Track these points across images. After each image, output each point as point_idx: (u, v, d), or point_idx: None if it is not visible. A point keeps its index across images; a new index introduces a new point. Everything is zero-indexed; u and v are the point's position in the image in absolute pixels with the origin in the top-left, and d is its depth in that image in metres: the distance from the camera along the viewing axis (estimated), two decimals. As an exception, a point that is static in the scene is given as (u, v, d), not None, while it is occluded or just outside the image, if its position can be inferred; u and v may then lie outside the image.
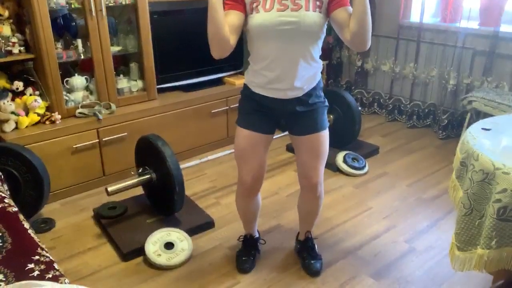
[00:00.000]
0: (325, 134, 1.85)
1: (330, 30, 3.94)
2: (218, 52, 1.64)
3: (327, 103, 1.85)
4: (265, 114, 1.80)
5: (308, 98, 1.76)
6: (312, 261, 2.09)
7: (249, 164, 1.85)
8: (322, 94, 1.83)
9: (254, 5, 1.61)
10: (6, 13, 2.53)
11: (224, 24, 1.56)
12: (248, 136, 1.82)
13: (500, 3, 3.13)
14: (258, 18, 1.60)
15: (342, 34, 1.63)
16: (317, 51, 1.71)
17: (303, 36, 1.62)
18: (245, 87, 1.83)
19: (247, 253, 2.14)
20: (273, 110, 1.79)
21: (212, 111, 3.26)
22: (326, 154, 1.89)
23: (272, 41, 1.63)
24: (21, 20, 2.62)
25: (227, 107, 3.33)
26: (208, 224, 2.43)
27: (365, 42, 1.60)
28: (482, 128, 1.74)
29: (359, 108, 3.31)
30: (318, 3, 1.60)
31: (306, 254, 2.12)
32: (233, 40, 1.61)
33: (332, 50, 4.18)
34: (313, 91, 1.78)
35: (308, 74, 1.72)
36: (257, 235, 2.19)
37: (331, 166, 3.02)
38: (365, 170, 3.04)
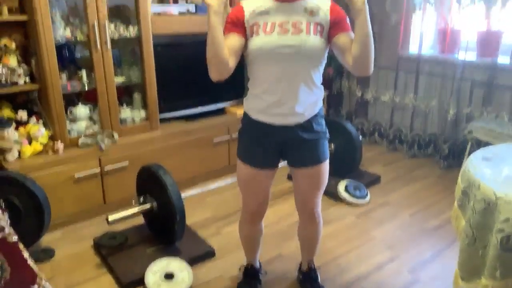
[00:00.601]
0: (326, 165, 1.83)
1: (330, 61, 3.99)
2: (216, 74, 1.63)
3: (328, 134, 1.84)
4: (266, 146, 1.77)
5: (309, 125, 1.73)
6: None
7: (253, 193, 1.87)
8: (324, 123, 1.81)
9: (255, 28, 1.61)
10: (13, 45, 2.59)
11: (223, 45, 1.56)
12: (250, 172, 1.80)
13: (497, 35, 3.20)
14: (259, 40, 1.60)
15: (343, 59, 1.63)
16: (318, 76, 1.70)
17: (303, 59, 1.61)
18: (245, 115, 1.81)
19: (248, 284, 2.10)
20: (273, 138, 1.75)
21: (214, 141, 3.28)
22: (326, 182, 1.88)
23: (272, 64, 1.61)
24: (27, 52, 2.68)
25: (229, 137, 3.35)
26: (208, 254, 2.40)
27: (367, 66, 1.60)
28: (483, 158, 1.75)
29: (360, 137, 3.33)
30: (319, 28, 1.60)
31: (309, 285, 2.09)
32: (232, 62, 1.60)
33: (333, 81, 4.24)
34: (315, 118, 1.75)
35: (309, 100, 1.69)
36: (258, 266, 2.16)
37: (333, 195, 3.01)
38: (367, 199, 3.02)
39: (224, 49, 1.57)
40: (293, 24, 1.59)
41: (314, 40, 1.59)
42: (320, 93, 1.75)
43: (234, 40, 1.62)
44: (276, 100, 1.67)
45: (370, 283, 2.19)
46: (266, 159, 1.79)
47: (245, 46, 1.65)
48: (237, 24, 1.63)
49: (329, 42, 1.66)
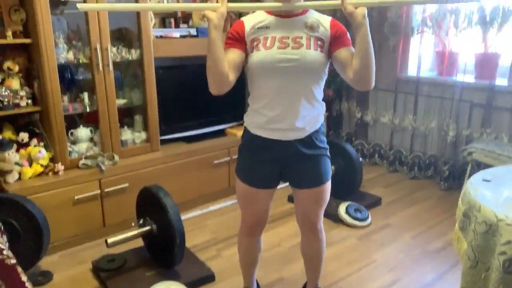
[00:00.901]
0: (328, 184, 1.82)
1: (330, 84, 4.04)
2: (216, 87, 1.62)
3: (328, 152, 1.82)
4: (266, 165, 1.75)
5: (310, 140, 1.72)
6: None
7: (251, 210, 1.87)
8: (325, 140, 1.80)
9: (255, 43, 1.62)
10: (16, 68, 2.62)
11: (223, 59, 1.57)
12: (249, 191, 1.80)
13: (494, 58, 3.24)
14: (259, 55, 1.61)
15: (344, 73, 1.63)
16: (319, 91, 1.70)
17: (304, 73, 1.61)
18: (245, 130, 1.81)
19: None
20: (273, 154, 1.73)
21: (214, 162, 3.28)
22: (328, 198, 1.86)
23: (273, 79, 1.62)
24: (30, 74, 2.71)
25: (229, 158, 3.36)
26: (208, 278, 2.37)
27: (368, 80, 1.60)
28: (483, 179, 1.75)
29: (360, 159, 3.33)
30: (319, 42, 1.61)
31: None
32: (232, 76, 1.61)
33: (332, 102, 4.28)
34: (316, 133, 1.74)
35: (310, 115, 1.69)
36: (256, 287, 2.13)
37: (333, 217, 3.00)
38: (368, 221, 3.00)
39: (224, 62, 1.57)
40: (293, 39, 1.60)
41: (314, 54, 1.60)
42: (321, 108, 1.74)
43: (234, 55, 1.63)
44: (277, 115, 1.66)
45: (372, 307, 2.15)
46: (265, 179, 1.78)
47: (246, 61, 1.66)
48: (237, 39, 1.64)
49: (329, 57, 1.66)
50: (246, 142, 1.81)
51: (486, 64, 3.29)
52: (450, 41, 3.45)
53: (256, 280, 2.18)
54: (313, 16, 1.65)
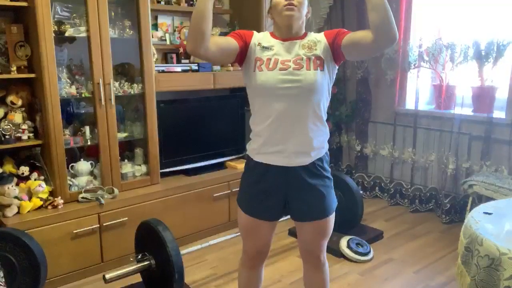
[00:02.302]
0: (333, 216, 1.80)
1: (329, 117, 4.07)
2: (191, 42, 1.53)
3: (332, 182, 1.80)
4: (269, 196, 1.73)
5: (314, 168, 1.71)
6: None
7: (252, 240, 1.85)
8: (329, 170, 1.79)
9: (258, 63, 1.66)
10: (20, 102, 2.65)
11: (209, 18, 1.50)
12: (250, 222, 1.79)
13: (491, 91, 3.29)
14: (261, 76, 1.63)
15: (363, 42, 1.55)
16: (322, 113, 1.70)
17: (306, 95, 1.63)
18: (247, 158, 1.80)
19: None
20: (277, 184, 1.71)
21: (214, 195, 3.27)
22: (332, 229, 1.84)
23: (275, 100, 1.63)
24: (33, 108, 2.74)
25: (229, 191, 3.35)
26: (208, 314, 2.32)
27: (390, 28, 1.46)
28: (484, 212, 1.74)
29: (361, 191, 3.32)
30: (318, 62, 1.64)
31: None
32: (212, 47, 1.56)
33: (332, 135, 4.30)
34: (320, 162, 1.73)
35: (314, 138, 1.68)
36: None
37: (335, 251, 2.96)
38: (370, 256, 2.96)
39: (209, 23, 1.51)
40: (294, 61, 1.64)
41: (315, 74, 1.62)
42: (325, 130, 1.74)
43: (228, 41, 1.65)
44: (279, 137, 1.66)
45: None
46: (267, 211, 1.76)
47: (248, 80, 1.70)
48: (241, 38, 1.68)
49: (338, 61, 1.68)
50: (249, 170, 1.80)
51: (483, 97, 3.33)
52: (447, 75, 3.51)
53: None
54: (311, 36, 1.70)
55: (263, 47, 1.68)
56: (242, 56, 1.70)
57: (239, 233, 2.85)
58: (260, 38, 1.71)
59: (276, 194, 1.74)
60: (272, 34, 1.72)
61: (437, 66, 3.54)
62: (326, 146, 1.78)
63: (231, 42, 1.66)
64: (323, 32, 1.72)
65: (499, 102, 3.30)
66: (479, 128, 3.33)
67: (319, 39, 1.69)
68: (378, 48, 1.56)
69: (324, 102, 1.70)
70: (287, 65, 1.63)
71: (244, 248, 1.91)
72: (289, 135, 1.66)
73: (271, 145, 1.68)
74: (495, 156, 3.28)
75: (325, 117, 1.74)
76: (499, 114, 3.28)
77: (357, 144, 4.16)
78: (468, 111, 3.42)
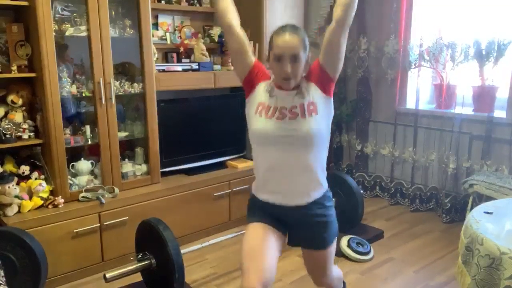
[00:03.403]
0: (334, 245, 1.84)
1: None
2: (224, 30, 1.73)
3: (334, 214, 1.83)
4: (277, 217, 1.78)
5: (315, 207, 1.75)
6: None
7: (257, 262, 1.63)
8: (331, 204, 1.81)
9: (260, 108, 1.70)
10: (20, 102, 2.66)
11: (230, 13, 1.68)
12: (260, 229, 1.74)
13: (491, 91, 3.28)
14: (260, 123, 1.68)
15: (332, 36, 1.62)
16: (320, 159, 1.72)
17: (301, 143, 1.65)
18: (252, 195, 1.85)
19: None
20: (279, 215, 1.77)
21: (215, 194, 3.27)
22: (334, 254, 1.89)
23: (271, 147, 1.67)
24: (33, 107, 2.74)
25: (230, 190, 3.35)
26: (208, 314, 2.32)
27: (352, 13, 1.58)
28: (485, 212, 1.74)
29: (361, 191, 3.32)
30: (311, 107, 1.66)
31: None
32: (238, 36, 1.69)
33: (332, 135, 4.29)
34: (322, 200, 1.76)
35: (311, 182, 1.72)
36: None
37: (336, 251, 2.95)
38: (371, 255, 2.96)
39: (232, 16, 1.68)
40: (289, 110, 1.66)
41: (309, 122, 1.64)
42: (323, 176, 1.77)
43: (248, 50, 1.72)
44: (275, 183, 1.72)
45: None
46: (275, 223, 1.77)
47: (248, 122, 1.75)
48: (258, 67, 1.75)
49: (329, 90, 1.70)
50: (254, 202, 1.84)
51: (483, 96, 3.33)
52: (448, 74, 3.51)
53: None
54: (303, 83, 1.70)
55: (267, 89, 1.72)
56: (249, 85, 1.75)
57: (239, 232, 2.86)
58: (267, 83, 1.75)
59: (279, 219, 1.78)
60: (275, 83, 1.73)
61: (438, 66, 3.54)
62: (325, 186, 1.80)
63: (249, 54, 1.72)
64: (308, 71, 1.73)
65: (499, 101, 3.29)
66: (480, 128, 3.33)
67: (308, 83, 1.71)
68: (344, 26, 1.60)
69: (321, 148, 1.72)
70: (284, 113, 1.66)
71: (244, 280, 1.62)
72: (286, 180, 1.71)
73: (270, 187, 1.74)
74: (495, 156, 3.28)
75: (324, 163, 1.76)
76: (499, 113, 3.28)
77: (357, 143, 4.16)
78: (468, 111, 3.42)
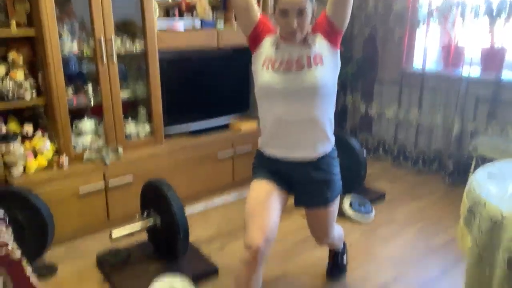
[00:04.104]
0: (335, 205, 1.87)
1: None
2: None
3: (339, 176, 1.85)
4: (281, 176, 1.79)
5: (320, 165, 1.76)
6: (333, 270, 2.30)
7: (260, 219, 1.66)
8: (337, 164, 1.83)
9: (266, 62, 1.70)
10: (20, 59, 2.61)
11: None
12: (264, 185, 1.76)
13: (501, 51, 3.20)
14: (267, 76, 1.67)
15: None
16: (326, 112, 1.72)
17: (307, 95, 1.65)
18: (258, 150, 1.86)
19: None
20: (283, 171, 1.78)
21: (218, 156, 3.28)
22: (335, 216, 1.92)
23: (279, 100, 1.67)
24: (34, 66, 2.70)
25: (233, 152, 3.35)
26: (212, 272, 2.38)
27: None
28: (488, 175, 1.74)
29: (364, 153, 3.32)
30: (318, 58, 1.66)
31: (329, 262, 2.32)
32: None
33: (337, 96, 4.24)
34: (327, 159, 1.77)
35: (318, 136, 1.73)
36: None
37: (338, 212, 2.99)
38: (372, 216, 3.00)
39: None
40: (296, 61, 1.66)
41: (315, 73, 1.64)
42: (331, 131, 1.77)
43: (254, 8, 1.72)
44: (282, 137, 1.72)
45: (375, 301, 2.16)
46: (280, 181, 1.79)
47: (255, 76, 1.74)
48: (263, 22, 1.74)
49: (336, 42, 1.70)
50: (260, 157, 1.85)
51: (492, 57, 3.25)
52: (456, 33, 3.41)
53: None
54: (309, 34, 1.69)
55: (273, 42, 1.71)
56: (255, 40, 1.74)
57: (243, 193, 2.88)
58: (273, 37, 1.73)
59: (285, 177, 1.80)
60: (281, 36, 1.71)
61: (447, 24, 3.44)
62: (331, 142, 1.80)
63: (255, 9, 1.71)
64: (314, 23, 1.71)
65: (508, 62, 3.22)
66: (487, 89, 3.28)
67: (315, 35, 1.69)
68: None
69: (327, 98, 1.71)
70: (289, 65, 1.65)
71: (247, 236, 1.66)
72: (292, 134, 1.71)
73: (276, 141, 1.75)
74: (501, 118, 3.24)
75: (331, 116, 1.77)
76: (508, 74, 3.21)
77: (362, 104, 4.12)
78: (476, 71, 3.35)
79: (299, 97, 1.66)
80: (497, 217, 1.44)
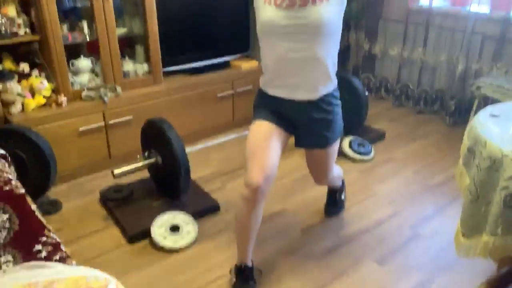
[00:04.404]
0: (335, 146, 1.87)
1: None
2: None
3: (340, 109, 1.83)
4: (282, 116, 1.78)
5: (321, 104, 1.74)
6: (331, 207, 2.38)
7: (260, 159, 1.67)
8: (338, 103, 1.82)
9: None
10: (11, -7, 2.51)
11: None
12: (265, 125, 1.75)
13: (512, -13, 3.07)
14: (269, 12, 1.61)
15: None
16: (329, 51, 1.67)
17: (311, 32, 1.60)
18: (260, 89, 1.83)
19: (244, 286, 1.84)
20: (285, 112, 1.77)
21: (218, 95, 3.25)
22: (335, 155, 1.93)
23: (281, 38, 1.62)
24: (27, 4, 2.60)
25: (233, 91, 3.31)
26: (213, 208, 2.44)
27: None
28: (491, 115, 1.72)
29: (366, 92, 3.28)
30: None
31: (328, 199, 2.39)
32: None
33: (340, 34, 4.13)
34: (328, 97, 1.75)
35: (321, 75, 1.69)
36: (251, 264, 1.89)
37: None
38: (371, 155, 3.02)
39: None
40: None
41: (320, 9, 1.57)
42: (333, 71, 1.74)
43: None
44: (285, 76, 1.69)
45: (372, 237, 2.23)
46: (281, 121, 1.78)
47: (257, 12, 1.67)
48: None
49: None
50: (261, 96, 1.83)
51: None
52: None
53: (252, 261, 1.91)
54: None
55: None
56: None
57: (243, 133, 2.90)
58: None
59: (286, 117, 1.79)
60: None
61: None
62: (334, 81, 1.77)
63: None
64: None
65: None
66: (494, 28, 3.18)
67: None
68: None
69: (331, 37, 1.65)
70: (293, 1, 1.57)
71: (248, 175, 1.68)
72: (295, 73, 1.67)
73: (278, 80, 1.72)
74: (507, 58, 3.17)
75: (335, 54, 1.72)
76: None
77: (365, 43, 4.02)
78: (485, 9, 3.23)
79: (302, 35, 1.60)
80: (496, 156, 1.44)
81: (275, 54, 1.67)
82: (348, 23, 4.10)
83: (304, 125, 1.80)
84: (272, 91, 1.76)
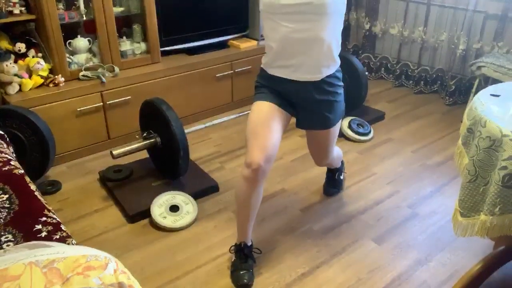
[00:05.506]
0: (337, 126, 1.87)
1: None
2: None
3: (342, 93, 1.82)
4: (284, 97, 1.77)
5: (324, 85, 1.73)
6: (330, 186, 2.40)
7: (261, 139, 1.68)
8: (341, 84, 1.81)
9: None
10: (5, -29, 2.46)
11: None
12: (266, 105, 1.74)
13: (515, -36, 3.02)
14: None
15: None
16: (333, 31, 1.65)
17: (315, 12, 1.57)
18: (262, 69, 1.81)
19: (243, 264, 1.86)
20: (287, 93, 1.76)
21: (217, 75, 3.22)
22: (336, 139, 1.94)
23: (284, 18, 1.59)
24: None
25: (232, 71, 3.29)
26: (212, 188, 2.45)
27: None
28: (491, 94, 1.71)
29: (366, 73, 3.25)
30: None
31: (327, 179, 2.41)
32: None
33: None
34: (331, 78, 1.74)
35: (324, 56, 1.67)
36: (250, 243, 1.90)
37: (336, 131, 3.01)
38: (370, 136, 3.02)
39: None
40: None
41: None
42: (337, 52, 1.72)
43: None
44: (287, 57, 1.67)
45: (370, 217, 2.24)
46: (282, 102, 1.77)
47: None
48: None
49: None
50: (263, 77, 1.81)
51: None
52: None
53: (251, 240, 1.93)
54: None
55: None
56: None
57: (242, 113, 2.88)
58: None
59: (288, 98, 1.79)
60: None
61: None
62: (337, 62, 1.75)
63: None
64: None
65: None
66: (497, 6, 3.14)
67: None
68: None
69: (337, 20, 1.64)
70: None
71: (248, 155, 1.68)
72: (298, 53, 1.65)
73: (281, 61, 1.70)
74: (508, 37, 3.14)
75: (339, 35, 1.70)
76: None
77: (366, 22, 3.97)
78: (488, -13, 3.19)
79: (306, 15, 1.57)
80: (496, 135, 1.44)
81: (279, 34, 1.64)
82: (349, 1, 4.04)
83: (306, 106, 1.79)
84: (275, 71, 1.74)
